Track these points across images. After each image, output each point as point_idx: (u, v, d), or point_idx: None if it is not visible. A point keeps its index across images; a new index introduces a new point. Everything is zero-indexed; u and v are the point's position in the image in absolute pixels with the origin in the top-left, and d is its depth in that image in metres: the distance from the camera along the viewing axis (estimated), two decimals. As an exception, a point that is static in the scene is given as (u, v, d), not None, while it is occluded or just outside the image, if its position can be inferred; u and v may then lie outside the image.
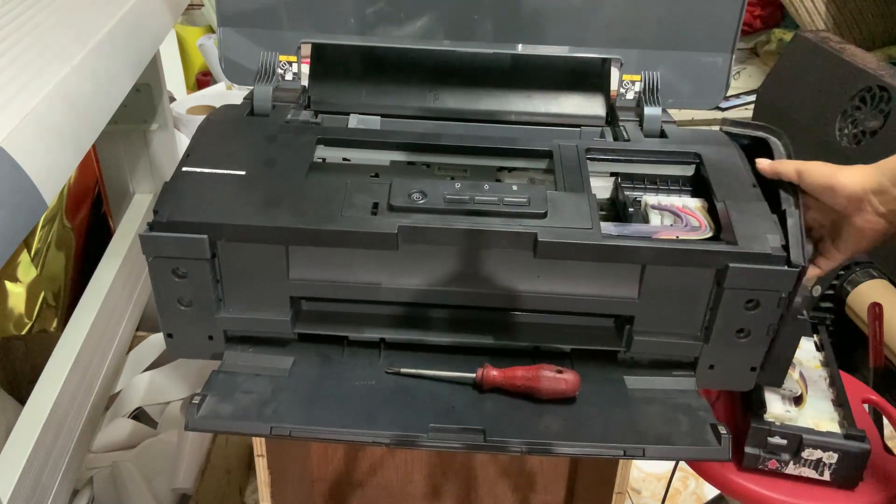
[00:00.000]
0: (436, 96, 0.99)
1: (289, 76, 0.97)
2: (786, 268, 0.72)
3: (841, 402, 0.99)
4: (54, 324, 1.55)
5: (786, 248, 0.73)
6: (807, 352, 1.07)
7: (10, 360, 1.43)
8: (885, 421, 1.09)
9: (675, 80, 0.98)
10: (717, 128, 0.94)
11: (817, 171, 0.77)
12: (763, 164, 0.82)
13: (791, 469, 0.99)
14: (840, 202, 0.76)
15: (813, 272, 0.77)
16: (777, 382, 0.86)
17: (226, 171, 0.78)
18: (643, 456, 0.72)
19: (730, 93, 1.54)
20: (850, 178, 0.75)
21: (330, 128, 0.94)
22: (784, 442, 0.97)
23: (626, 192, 0.86)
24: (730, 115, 2.15)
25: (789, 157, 0.84)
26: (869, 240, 0.78)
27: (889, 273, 1.39)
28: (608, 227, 0.76)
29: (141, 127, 1.48)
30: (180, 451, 1.33)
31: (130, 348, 1.50)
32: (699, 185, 0.86)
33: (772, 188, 0.81)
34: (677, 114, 1.00)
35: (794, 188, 0.79)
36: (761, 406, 1.00)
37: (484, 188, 0.75)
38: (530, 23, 0.97)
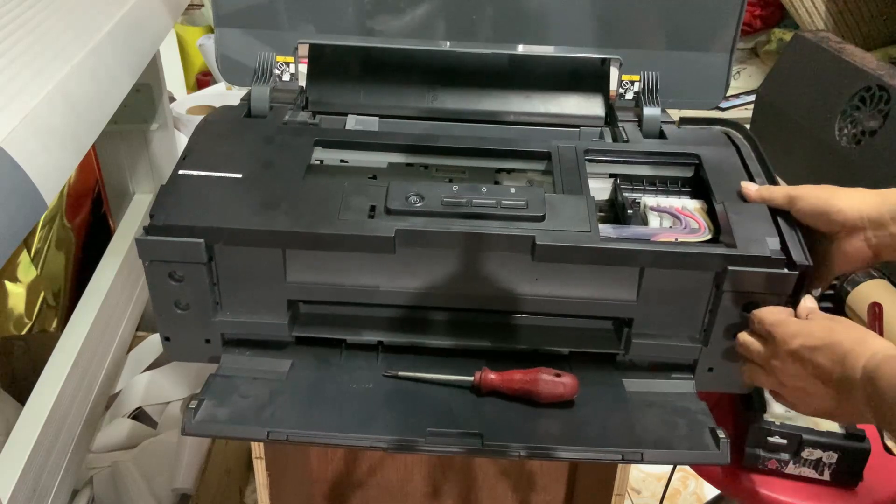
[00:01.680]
0: (434, 97, 0.99)
1: (286, 77, 0.97)
2: (785, 270, 0.72)
3: (841, 403, 0.99)
4: (54, 324, 1.55)
5: (785, 250, 0.73)
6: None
7: (10, 360, 1.43)
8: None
9: (674, 80, 0.98)
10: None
11: (811, 196, 0.74)
12: (749, 189, 0.78)
13: (791, 469, 0.99)
14: (831, 226, 0.73)
15: (808, 302, 0.75)
16: None
17: (222, 174, 0.77)
18: (641, 460, 0.72)
19: (730, 93, 1.54)
20: (849, 202, 0.72)
21: (327, 129, 0.93)
22: (784, 442, 0.97)
23: (625, 194, 0.86)
24: (730, 115, 2.14)
25: (756, 150, 0.82)
26: (852, 266, 0.75)
27: (889, 273, 1.39)
28: (607, 230, 0.76)
29: (141, 127, 1.48)
30: (180, 451, 1.33)
31: (130, 348, 1.50)
32: (698, 187, 0.85)
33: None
34: (677, 114, 0.99)
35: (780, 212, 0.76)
36: (761, 406, 1.00)
37: (482, 191, 0.75)
38: (529, 23, 0.97)
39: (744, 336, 0.73)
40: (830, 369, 0.64)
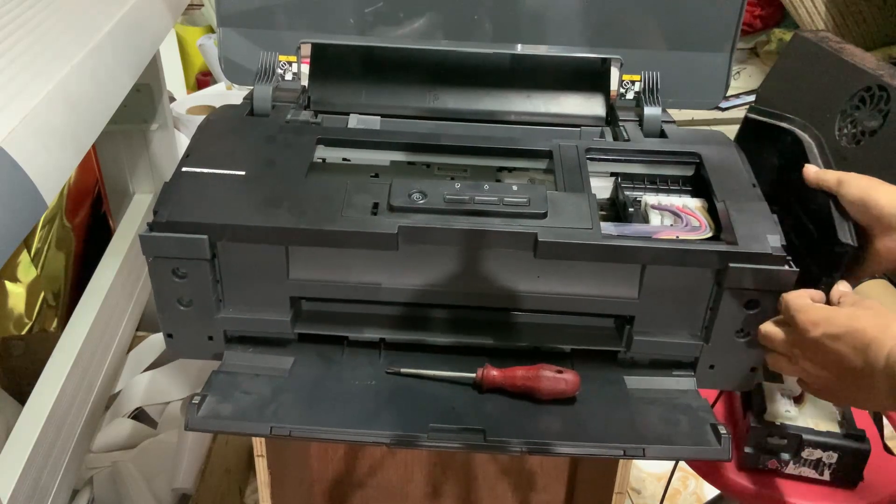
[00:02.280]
0: (436, 96, 0.99)
1: (288, 76, 0.97)
2: (786, 268, 0.72)
3: (841, 402, 0.99)
4: (54, 324, 1.55)
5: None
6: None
7: (10, 360, 1.43)
8: (885, 421, 1.09)
9: (675, 80, 0.98)
10: (717, 127, 0.94)
11: (855, 183, 0.74)
12: (810, 171, 0.79)
13: (791, 469, 0.99)
14: (869, 220, 0.73)
15: (842, 286, 0.74)
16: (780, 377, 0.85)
17: (226, 172, 0.77)
18: (643, 456, 0.72)
19: (730, 93, 1.54)
20: (888, 198, 0.71)
21: (330, 128, 0.94)
22: (784, 442, 0.97)
23: (626, 192, 0.86)
24: (730, 115, 2.15)
25: (821, 149, 0.82)
26: (882, 266, 0.75)
27: (889, 273, 1.39)
28: (608, 228, 0.76)
29: (141, 127, 1.48)
30: (180, 451, 1.33)
31: (130, 348, 1.50)
32: (699, 185, 0.86)
33: (771, 190, 0.80)
34: (677, 114, 1.00)
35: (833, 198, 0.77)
36: (761, 406, 1.00)
37: (484, 188, 0.75)
38: (530, 22, 0.97)
39: (766, 326, 0.73)
40: (853, 358, 0.63)
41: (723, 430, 0.73)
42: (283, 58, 0.97)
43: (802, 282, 0.76)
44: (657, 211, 0.82)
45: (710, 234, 0.78)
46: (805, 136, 0.83)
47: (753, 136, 0.88)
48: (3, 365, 1.42)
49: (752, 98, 2.14)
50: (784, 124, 0.85)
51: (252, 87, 0.94)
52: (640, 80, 0.97)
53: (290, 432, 0.72)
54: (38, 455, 1.01)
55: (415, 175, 0.89)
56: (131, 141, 1.51)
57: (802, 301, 0.69)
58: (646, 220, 0.82)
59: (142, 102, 1.45)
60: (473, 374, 0.77)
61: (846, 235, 0.73)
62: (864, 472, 0.98)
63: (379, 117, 0.98)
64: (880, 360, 0.61)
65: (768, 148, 0.87)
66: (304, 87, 0.98)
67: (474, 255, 0.76)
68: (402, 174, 0.88)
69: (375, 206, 0.74)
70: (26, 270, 1.48)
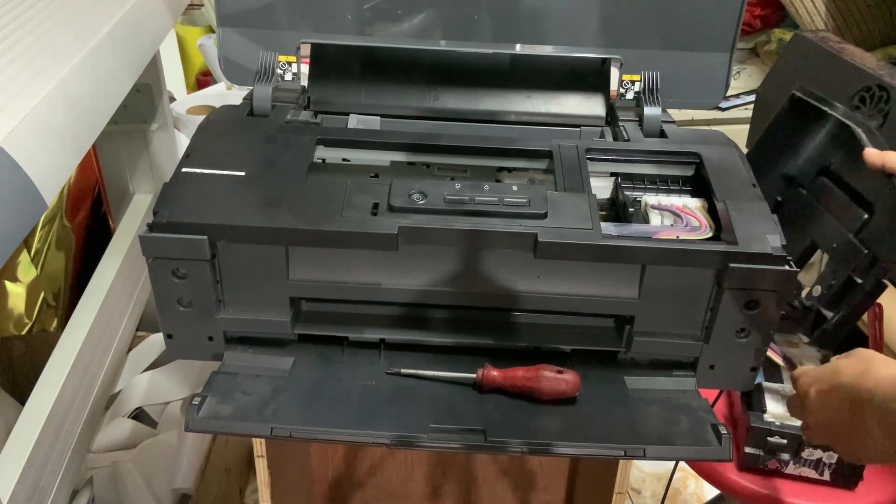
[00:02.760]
0: (435, 96, 0.99)
1: (288, 76, 0.97)
2: (786, 268, 0.72)
3: (841, 402, 0.99)
4: (54, 324, 1.55)
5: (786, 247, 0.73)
6: (807, 351, 1.07)
7: (10, 360, 1.43)
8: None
9: (675, 80, 0.98)
10: (717, 127, 0.94)
11: None
12: (871, 153, 0.79)
13: (791, 469, 0.99)
14: None
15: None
16: (829, 346, 0.86)
17: (225, 172, 0.77)
18: (643, 456, 0.72)
19: (730, 93, 1.54)
20: None
21: (330, 128, 0.94)
22: (784, 442, 0.97)
23: (626, 192, 0.86)
24: (730, 115, 2.14)
25: (870, 134, 0.82)
26: None
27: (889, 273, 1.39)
28: (608, 228, 0.76)
29: (141, 127, 1.48)
30: (180, 451, 1.33)
31: (130, 348, 1.50)
32: (699, 185, 0.86)
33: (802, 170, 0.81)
34: (677, 114, 1.00)
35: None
36: (761, 406, 1.00)
37: (484, 188, 0.75)
38: (530, 22, 0.97)
39: (788, 402, 0.76)
40: (843, 410, 0.64)
41: (723, 430, 0.73)
42: (282, 58, 0.97)
43: (844, 260, 0.78)
44: (657, 211, 0.82)
45: (710, 235, 0.78)
46: (851, 123, 0.84)
47: (795, 115, 0.89)
48: (3, 365, 1.42)
49: (752, 98, 2.13)
50: (827, 108, 0.86)
51: (252, 87, 0.94)
52: (640, 80, 0.97)
53: (291, 433, 0.72)
54: (38, 455, 1.01)
55: (415, 175, 0.89)
56: (131, 141, 1.51)
57: (799, 369, 0.72)
58: (646, 220, 0.82)
59: (142, 102, 1.45)
60: (474, 375, 0.77)
61: None
62: (863, 472, 0.98)
63: (379, 117, 0.98)
64: (865, 406, 0.61)
65: (809, 128, 0.87)
66: (304, 87, 0.98)
67: (474, 255, 0.75)
68: (402, 174, 0.88)
69: (375, 206, 0.74)
70: (26, 270, 1.48)
